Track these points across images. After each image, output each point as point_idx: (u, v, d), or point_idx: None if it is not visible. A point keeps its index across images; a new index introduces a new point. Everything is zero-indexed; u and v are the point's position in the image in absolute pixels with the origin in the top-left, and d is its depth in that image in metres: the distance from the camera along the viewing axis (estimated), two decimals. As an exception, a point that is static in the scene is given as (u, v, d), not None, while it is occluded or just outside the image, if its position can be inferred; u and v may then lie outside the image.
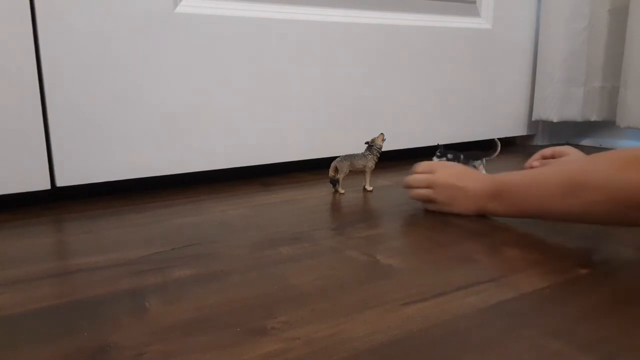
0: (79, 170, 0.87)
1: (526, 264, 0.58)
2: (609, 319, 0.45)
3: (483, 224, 0.72)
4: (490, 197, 0.73)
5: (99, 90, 0.87)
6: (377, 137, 0.93)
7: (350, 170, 0.91)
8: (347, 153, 0.91)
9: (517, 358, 0.39)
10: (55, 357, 0.40)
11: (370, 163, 0.92)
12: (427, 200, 0.79)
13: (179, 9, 0.93)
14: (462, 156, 0.94)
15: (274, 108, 1.05)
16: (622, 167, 0.58)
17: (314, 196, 0.91)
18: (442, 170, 0.79)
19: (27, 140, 0.82)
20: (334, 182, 0.91)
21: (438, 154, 0.94)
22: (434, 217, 0.76)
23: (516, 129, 1.49)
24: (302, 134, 1.10)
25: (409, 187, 0.81)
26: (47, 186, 0.85)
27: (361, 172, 0.93)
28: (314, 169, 1.10)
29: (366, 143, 0.93)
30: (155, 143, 0.93)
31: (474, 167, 0.95)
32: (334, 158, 0.91)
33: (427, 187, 0.78)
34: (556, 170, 0.68)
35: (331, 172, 0.91)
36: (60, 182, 0.86)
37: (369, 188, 0.93)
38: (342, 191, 0.91)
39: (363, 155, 0.92)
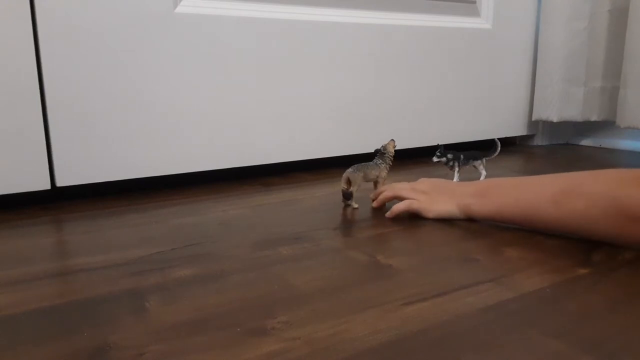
0: (79, 170, 0.87)
1: (526, 264, 0.58)
2: (609, 319, 0.45)
3: (483, 224, 0.72)
4: (475, 194, 0.72)
5: (99, 90, 0.87)
6: (388, 143, 0.84)
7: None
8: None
9: (517, 358, 0.39)
10: (55, 357, 0.40)
11: (384, 173, 0.83)
12: (409, 198, 0.76)
13: (179, 9, 0.93)
14: (462, 156, 0.93)
15: (273, 108, 1.05)
16: (622, 182, 0.58)
17: (314, 196, 0.91)
18: (424, 180, 0.80)
19: (27, 140, 0.82)
20: (348, 196, 0.81)
21: (438, 154, 0.93)
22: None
23: (516, 129, 1.49)
24: (302, 134, 1.09)
25: (394, 193, 0.79)
26: (47, 186, 0.85)
27: (373, 182, 0.83)
28: (314, 169, 1.10)
29: (376, 151, 0.84)
30: (155, 143, 0.93)
31: (474, 167, 0.95)
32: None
33: (411, 189, 0.78)
34: (549, 176, 0.67)
35: (343, 185, 0.81)
36: (60, 182, 0.86)
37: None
38: (356, 206, 0.82)
39: (375, 164, 0.82)
